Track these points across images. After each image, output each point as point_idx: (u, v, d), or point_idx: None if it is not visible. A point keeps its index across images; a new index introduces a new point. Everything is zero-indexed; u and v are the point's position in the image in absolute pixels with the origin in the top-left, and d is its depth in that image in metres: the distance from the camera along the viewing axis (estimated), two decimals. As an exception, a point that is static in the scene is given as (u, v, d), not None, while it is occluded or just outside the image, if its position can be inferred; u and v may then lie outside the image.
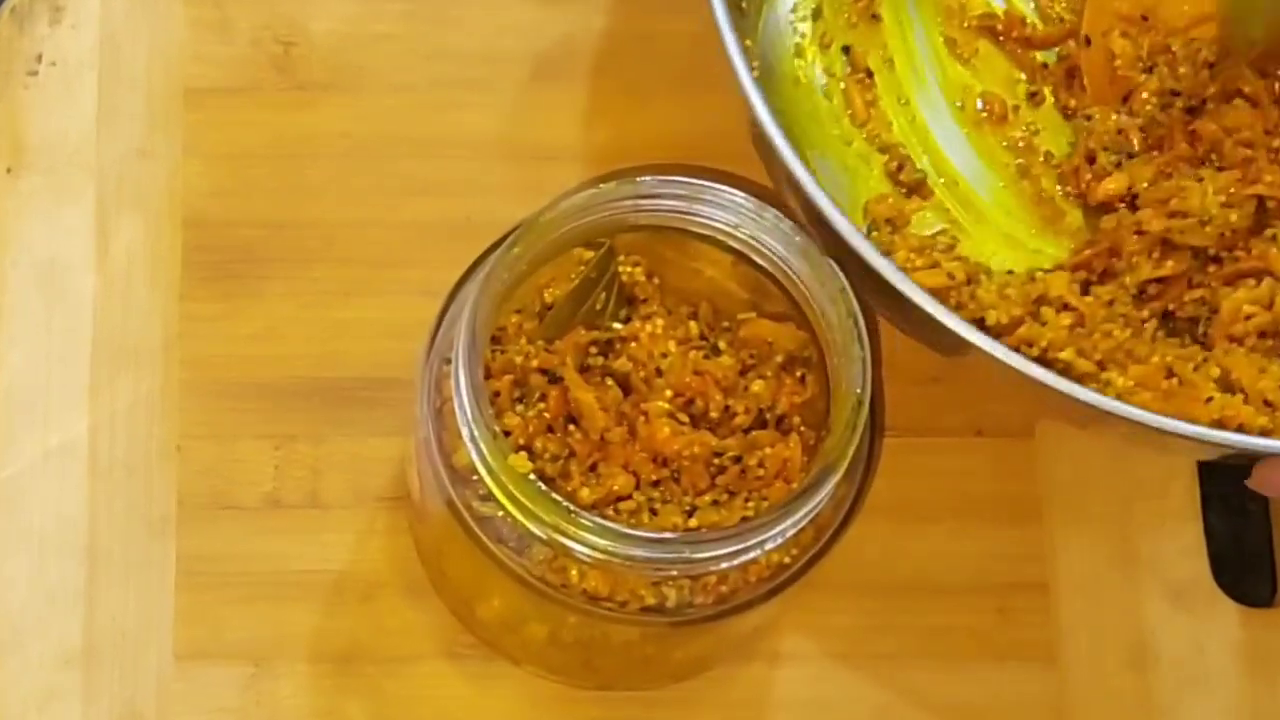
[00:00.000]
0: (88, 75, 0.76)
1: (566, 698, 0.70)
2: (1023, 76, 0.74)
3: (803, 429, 0.63)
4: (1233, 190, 0.69)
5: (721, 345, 0.64)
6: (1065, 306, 0.68)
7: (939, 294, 0.66)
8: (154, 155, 0.75)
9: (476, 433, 0.59)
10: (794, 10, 0.74)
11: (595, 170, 0.73)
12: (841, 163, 0.73)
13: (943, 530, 0.73)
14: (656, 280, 0.65)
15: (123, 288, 0.74)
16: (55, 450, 0.72)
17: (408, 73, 0.76)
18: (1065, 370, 0.66)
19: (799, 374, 0.63)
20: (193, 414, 0.73)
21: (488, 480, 0.59)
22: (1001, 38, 0.75)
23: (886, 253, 0.68)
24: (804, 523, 0.60)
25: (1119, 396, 0.65)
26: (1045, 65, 0.75)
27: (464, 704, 0.71)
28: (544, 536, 0.59)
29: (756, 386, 0.63)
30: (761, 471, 0.62)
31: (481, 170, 0.75)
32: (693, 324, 0.64)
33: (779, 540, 0.60)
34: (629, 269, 0.64)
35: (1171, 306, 0.69)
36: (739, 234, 0.62)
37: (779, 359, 0.64)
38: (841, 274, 0.61)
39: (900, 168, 0.72)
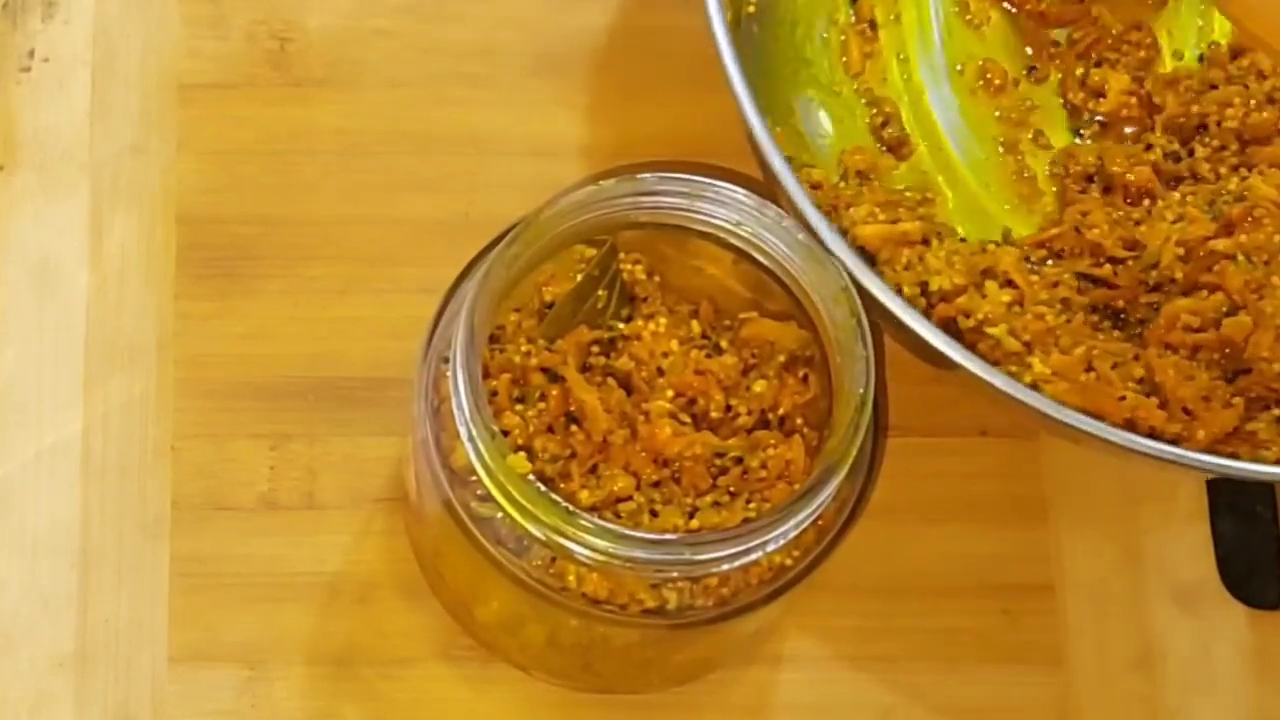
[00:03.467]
0: (81, 71, 0.76)
1: (566, 701, 0.70)
2: (1029, 51, 0.74)
3: (805, 430, 0.63)
4: (1192, 246, 0.68)
5: (723, 344, 0.64)
6: (1009, 283, 0.68)
7: (890, 246, 0.66)
8: (148, 152, 0.75)
9: (475, 432, 0.58)
10: None
11: (595, 167, 0.73)
12: (826, 109, 0.73)
13: (947, 531, 0.72)
14: (657, 278, 0.65)
15: (116, 286, 0.74)
16: (48, 450, 0.72)
17: (405, 68, 0.76)
18: (994, 347, 0.66)
19: (801, 374, 0.63)
20: (187, 413, 0.73)
21: (486, 481, 0.59)
22: (1016, 8, 0.74)
23: (850, 204, 0.68)
24: (806, 524, 0.59)
25: (1035, 382, 0.65)
26: (1056, 43, 0.74)
27: (462, 707, 0.70)
28: (543, 538, 0.59)
29: (758, 386, 0.63)
30: (763, 472, 0.62)
31: (480, 167, 0.75)
32: (694, 323, 0.64)
33: (781, 542, 0.59)
34: (629, 267, 0.64)
35: (1121, 304, 0.69)
36: (740, 232, 0.62)
37: (781, 359, 0.64)
38: (844, 273, 0.61)
39: (885, 123, 0.73)
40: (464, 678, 0.71)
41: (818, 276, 0.61)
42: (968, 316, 0.67)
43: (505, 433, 0.61)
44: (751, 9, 0.69)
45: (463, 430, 0.59)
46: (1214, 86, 0.73)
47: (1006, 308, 0.67)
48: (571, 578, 0.60)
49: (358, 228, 0.74)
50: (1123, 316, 0.69)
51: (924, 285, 0.67)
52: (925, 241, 0.68)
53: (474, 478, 0.59)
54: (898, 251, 0.68)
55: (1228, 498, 0.73)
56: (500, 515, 0.60)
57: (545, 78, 0.76)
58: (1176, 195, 0.70)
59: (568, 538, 0.58)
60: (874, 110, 0.73)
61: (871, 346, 0.60)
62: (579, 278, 0.63)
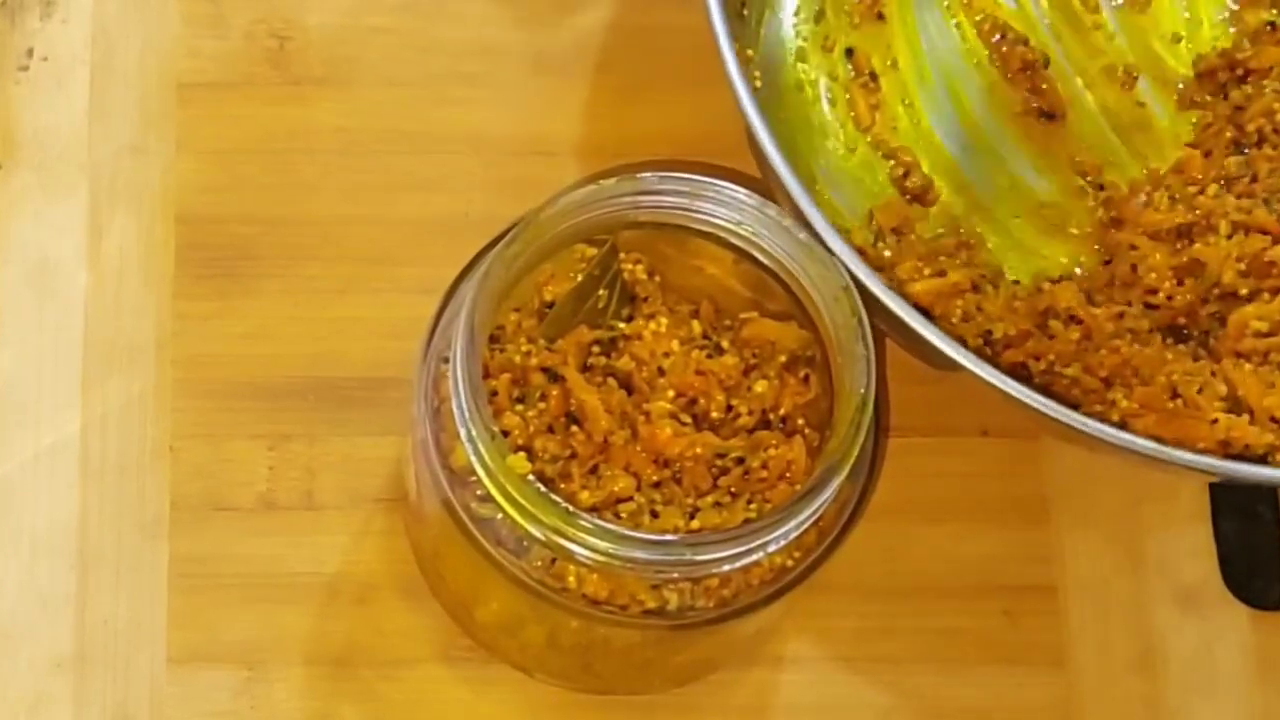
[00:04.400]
0: (79, 70, 0.76)
1: (566, 702, 0.70)
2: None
3: (806, 430, 0.63)
4: (1254, 259, 0.68)
5: (724, 345, 0.63)
6: (1073, 319, 0.67)
7: (943, 301, 0.66)
8: (147, 151, 0.75)
9: (474, 433, 0.58)
10: (796, 14, 0.73)
11: (595, 166, 0.73)
12: (845, 172, 0.72)
13: (948, 532, 0.72)
14: (658, 278, 0.64)
15: (115, 285, 0.74)
16: (46, 451, 0.72)
17: (404, 67, 0.76)
18: (1071, 386, 0.66)
19: (802, 374, 0.63)
20: (186, 414, 0.72)
21: (486, 481, 0.59)
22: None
23: (893, 264, 0.68)
24: (807, 525, 0.59)
25: (1124, 419, 0.65)
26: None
27: (461, 708, 0.70)
28: (543, 538, 0.59)
29: (759, 387, 0.63)
30: (764, 473, 0.62)
31: (479, 166, 0.75)
32: (695, 323, 0.64)
33: (782, 542, 0.59)
34: (630, 267, 0.64)
35: (1182, 321, 0.68)
36: (741, 231, 0.62)
37: (782, 359, 0.63)
38: (844, 272, 0.61)
39: (906, 174, 0.72)
40: (463, 679, 0.70)
41: (818, 276, 0.61)
42: (1038, 359, 0.66)
43: (505, 433, 0.61)
44: (758, 84, 0.68)
45: (462, 430, 0.59)
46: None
47: (1076, 345, 0.66)
48: (572, 578, 0.60)
49: (357, 227, 0.74)
50: (1185, 331, 0.69)
51: (987, 334, 0.67)
52: (975, 288, 0.68)
53: (474, 478, 0.59)
54: (951, 304, 0.67)
55: (1230, 498, 0.73)
56: (500, 516, 0.60)
57: (544, 77, 0.76)
58: (1232, 200, 0.69)
59: (568, 538, 0.58)
60: (892, 162, 0.72)
61: (872, 346, 0.60)
62: (579, 277, 0.63)
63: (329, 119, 0.75)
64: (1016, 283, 0.70)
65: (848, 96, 0.73)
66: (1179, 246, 0.69)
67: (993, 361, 0.65)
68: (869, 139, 0.73)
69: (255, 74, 0.76)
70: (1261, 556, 0.73)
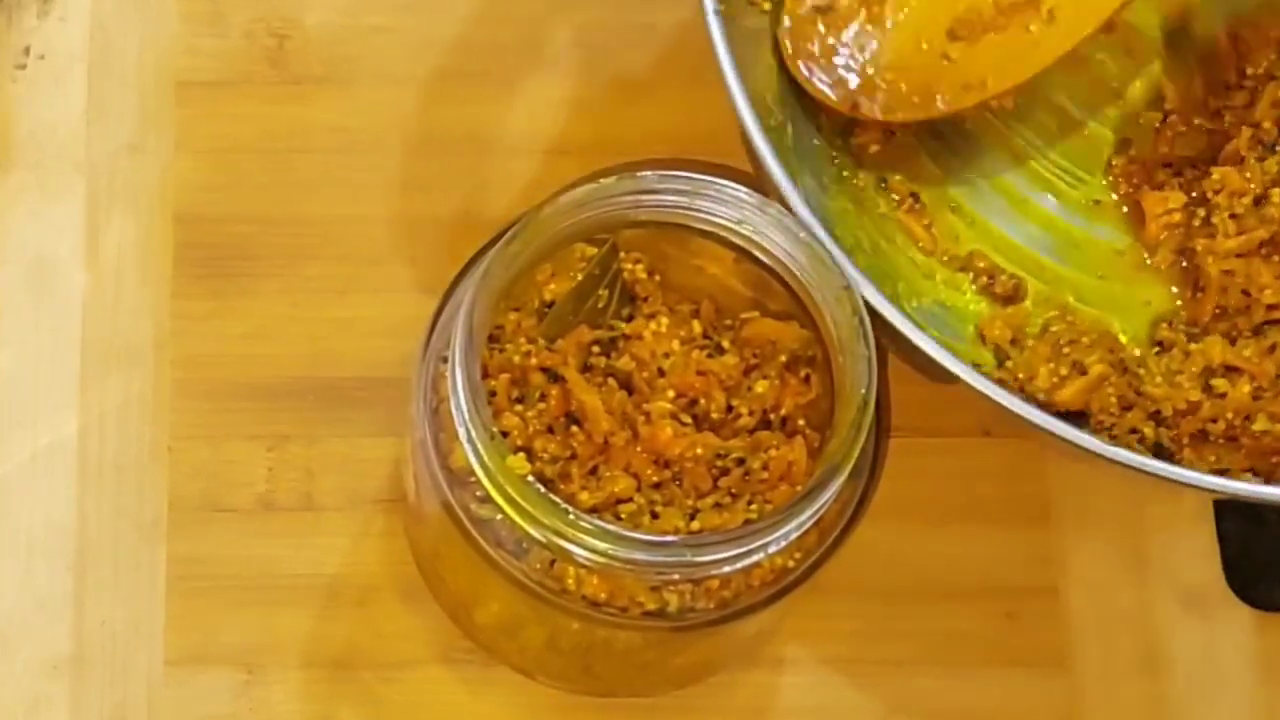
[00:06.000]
0: (77, 68, 0.76)
1: (566, 704, 0.70)
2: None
3: (807, 430, 0.63)
4: None
5: (725, 344, 0.63)
6: (1231, 369, 0.67)
7: (1094, 396, 0.66)
8: (145, 150, 0.75)
9: (474, 433, 0.58)
10: (823, 180, 0.72)
11: (595, 165, 0.72)
12: (936, 300, 0.71)
13: (950, 533, 0.72)
14: (658, 278, 0.64)
15: (113, 285, 0.74)
16: (44, 451, 0.72)
17: (403, 65, 0.76)
18: (1262, 437, 0.66)
19: (803, 374, 0.63)
20: (184, 414, 0.72)
21: (485, 482, 0.59)
22: None
23: (1029, 378, 0.67)
24: (808, 526, 0.59)
25: None
26: None
27: (461, 710, 0.70)
28: (543, 540, 0.59)
29: (760, 387, 0.63)
30: (765, 474, 0.62)
31: (478, 165, 0.75)
32: (695, 323, 0.64)
33: (782, 544, 0.59)
34: (630, 266, 0.64)
35: None
36: (742, 230, 0.62)
37: (783, 359, 0.63)
38: (846, 271, 0.61)
39: (991, 279, 0.71)
40: (463, 681, 0.70)
41: (820, 275, 0.61)
42: (1215, 422, 0.66)
43: (504, 433, 0.60)
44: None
45: (461, 431, 0.59)
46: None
47: (1252, 398, 0.66)
48: (571, 580, 0.60)
49: (356, 226, 0.74)
50: None
51: (1156, 414, 0.66)
52: (1124, 370, 0.67)
53: (473, 479, 0.59)
54: (1106, 398, 0.67)
55: (1234, 500, 0.72)
56: (499, 517, 0.60)
57: (544, 75, 0.76)
58: None
59: (567, 539, 0.58)
60: (971, 274, 0.71)
61: (874, 346, 0.60)
62: (579, 277, 0.63)
63: (328, 118, 0.75)
64: (1159, 344, 0.69)
65: (901, 229, 0.72)
66: (1275, 257, 0.68)
67: (1173, 460, 0.65)
68: (938, 259, 0.71)
69: (254, 73, 0.76)
70: (1266, 558, 0.73)
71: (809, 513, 0.58)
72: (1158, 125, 0.73)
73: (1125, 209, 0.72)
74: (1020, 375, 0.68)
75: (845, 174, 0.71)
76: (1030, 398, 0.66)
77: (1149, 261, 0.71)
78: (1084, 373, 0.68)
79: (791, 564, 0.61)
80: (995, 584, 0.72)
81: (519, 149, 0.75)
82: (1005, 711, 0.71)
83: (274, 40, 0.76)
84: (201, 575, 0.71)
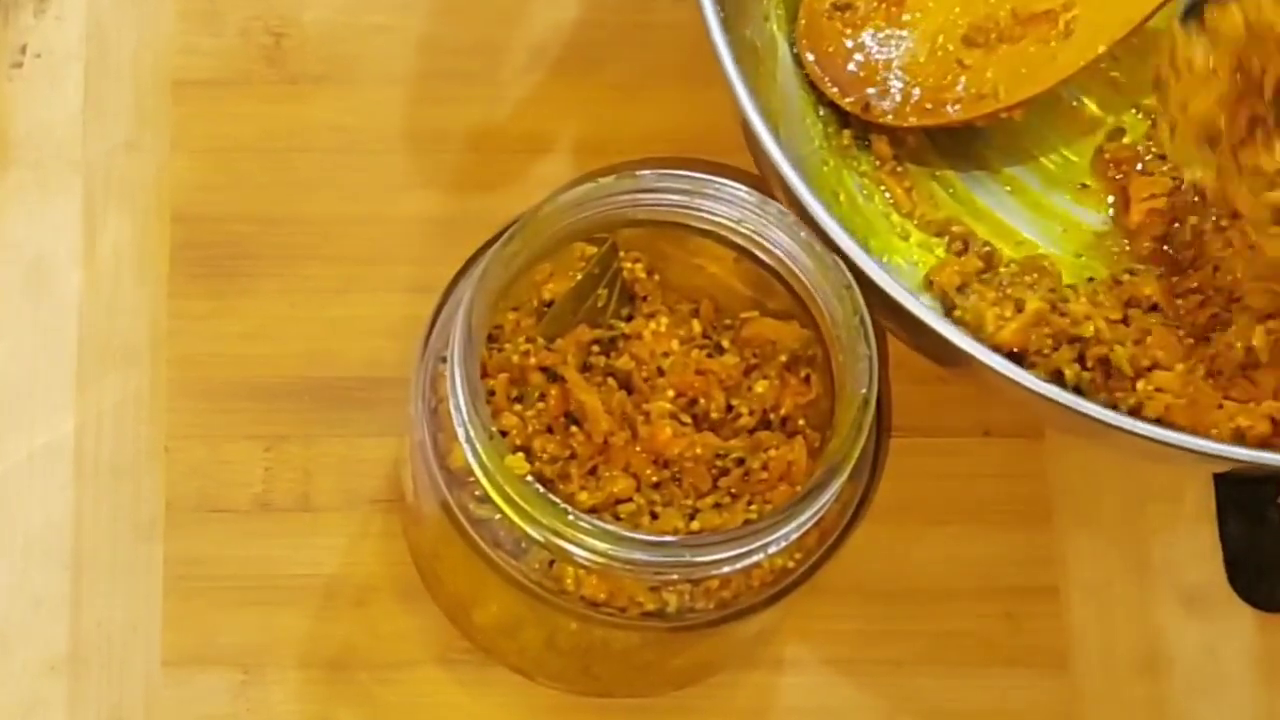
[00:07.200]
0: (74, 67, 0.76)
1: (565, 705, 0.70)
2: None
3: (807, 430, 0.63)
4: None
5: (724, 344, 0.63)
6: (1154, 308, 0.68)
7: (1033, 335, 0.66)
8: (142, 149, 0.75)
9: (473, 433, 0.58)
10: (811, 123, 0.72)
11: (593, 164, 0.73)
12: (908, 259, 0.71)
13: (950, 533, 0.72)
14: (657, 277, 0.64)
15: (110, 285, 0.74)
16: (40, 451, 0.72)
17: (402, 64, 0.76)
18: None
19: (803, 374, 0.63)
20: (181, 414, 0.72)
21: (484, 482, 0.59)
22: None
23: (977, 324, 0.67)
24: (808, 526, 0.59)
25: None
26: None
27: (459, 711, 0.70)
28: (542, 540, 0.59)
29: (760, 387, 0.63)
30: (765, 474, 0.62)
31: (477, 164, 0.75)
32: (695, 322, 0.64)
33: (782, 544, 0.59)
34: (630, 265, 0.64)
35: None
36: (741, 229, 0.62)
37: (783, 358, 0.63)
38: (847, 270, 0.61)
39: (965, 246, 0.71)
40: (462, 681, 0.70)
41: (820, 274, 0.61)
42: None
43: (503, 433, 0.60)
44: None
45: (460, 431, 0.58)
46: None
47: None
48: (570, 580, 0.60)
49: (354, 226, 0.74)
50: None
51: (1081, 357, 0.67)
52: (1054, 309, 0.67)
53: (472, 479, 0.59)
54: (1042, 339, 0.67)
55: (1236, 499, 0.73)
56: (498, 517, 0.59)
57: (542, 74, 0.76)
58: None
59: (566, 540, 0.58)
60: (946, 239, 0.71)
61: (875, 346, 0.60)
62: (578, 276, 0.63)
63: (326, 117, 0.75)
64: (1091, 279, 0.70)
65: (881, 187, 0.72)
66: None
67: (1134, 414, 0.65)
68: (915, 221, 0.72)
69: (251, 71, 0.76)
70: (1268, 559, 0.73)
71: (809, 513, 0.58)
72: (1154, 117, 0.73)
73: (1111, 197, 0.72)
74: (969, 320, 0.68)
75: (830, 130, 0.72)
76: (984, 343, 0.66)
77: (1128, 247, 0.71)
78: (1022, 310, 0.68)
79: (791, 564, 0.61)
80: (996, 584, 0.71)
81: (517, 148, 0.75)
82: (1005, 711, 0.71)
83: (271, 39, 0.76)
84: (199, 575, 0.71)
